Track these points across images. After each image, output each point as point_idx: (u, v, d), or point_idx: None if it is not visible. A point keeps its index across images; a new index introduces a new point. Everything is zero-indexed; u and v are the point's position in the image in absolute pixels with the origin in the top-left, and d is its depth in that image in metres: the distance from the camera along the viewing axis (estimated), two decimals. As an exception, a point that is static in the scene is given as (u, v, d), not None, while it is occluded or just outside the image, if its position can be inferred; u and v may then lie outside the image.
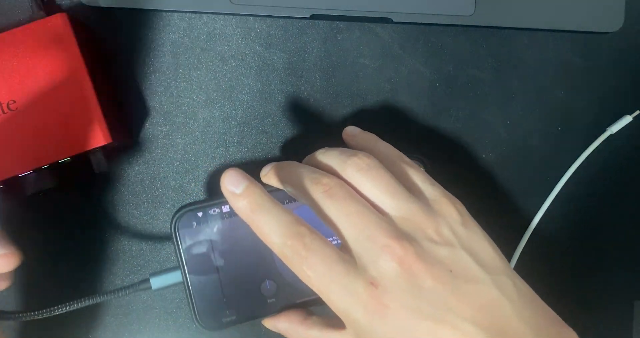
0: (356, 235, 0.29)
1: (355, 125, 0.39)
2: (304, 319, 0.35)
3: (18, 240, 0.41)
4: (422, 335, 0.27)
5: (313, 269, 0.28)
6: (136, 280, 0.38)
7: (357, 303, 0.28)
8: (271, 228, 0.29)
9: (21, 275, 0.41)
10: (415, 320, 0.27)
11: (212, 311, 0.37)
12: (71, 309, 0.34)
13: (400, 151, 0.36)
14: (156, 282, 0.36)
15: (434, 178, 0.35)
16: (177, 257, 0.37)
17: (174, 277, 0.37)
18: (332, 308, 0.29)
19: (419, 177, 0.33)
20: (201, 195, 0.42)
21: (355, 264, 0.28)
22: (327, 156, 0.33)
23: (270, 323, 0.36)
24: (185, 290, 0.37)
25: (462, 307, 0.28)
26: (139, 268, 0.42)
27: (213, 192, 0.42)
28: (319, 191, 0.30)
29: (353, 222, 0.29)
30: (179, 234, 0.37)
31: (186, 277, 0.37)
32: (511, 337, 0.28)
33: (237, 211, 0.31)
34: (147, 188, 0.42)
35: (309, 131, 0.42)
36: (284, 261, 0.29)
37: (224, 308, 0.37)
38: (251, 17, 0.41)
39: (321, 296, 0.29)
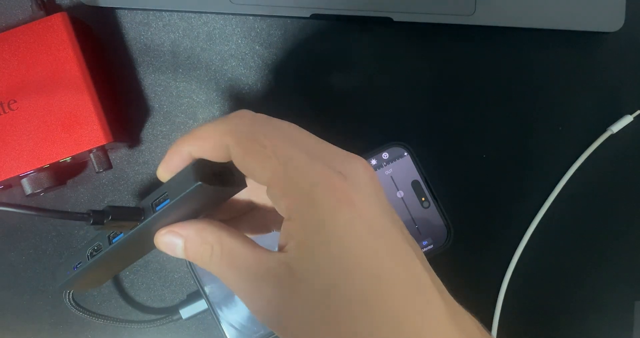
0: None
1: (355, 125, 0.39)
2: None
3: (17, 239, 0.42)
4: (397, 242, 0.25)
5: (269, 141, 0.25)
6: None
7: (324, 182, 0.24)
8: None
9: (21, 274, 0.41)
10: (387, 225, 0.25)
11: (243, 333, 0.40)
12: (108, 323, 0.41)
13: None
14: (185, 313, 0.41)
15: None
16: (199, 288, 0.40)
17: (200, 306, 0.40)
18: (286, 189, 0.24)
19: None
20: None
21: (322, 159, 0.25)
22: None
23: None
24: (214, 318, 0.40)
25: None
26: (139, 268, 0.42)
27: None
28: None
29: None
30: (195, 268, 0.40)
31: (211, 305, 0.40)
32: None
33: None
34: (147, 188, 0.42)
35: (309, 131, 0.42)
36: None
37: (253, 325, 0.40)
38: (251, 17, 0.41)
39: (277, 175, 0.24)
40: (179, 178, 0.25)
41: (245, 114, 0.25)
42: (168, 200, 0.25)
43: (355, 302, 0.24)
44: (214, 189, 0.25)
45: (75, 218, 0.25)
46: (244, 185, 0.27)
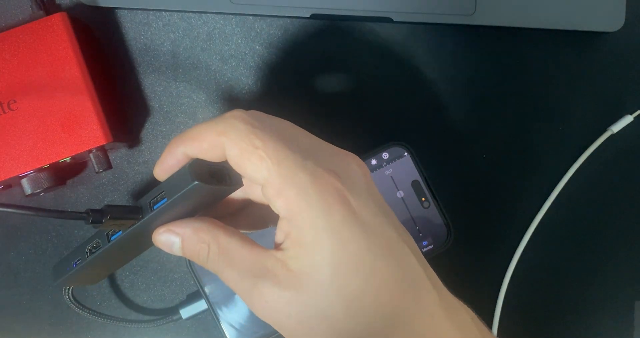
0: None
1: (355, 125, 0.39)
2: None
3: (17, 239, 0.42)
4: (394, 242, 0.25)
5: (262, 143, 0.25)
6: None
7: (318, 181, 0.24)
8: None
9: (21, 274, 0.41)
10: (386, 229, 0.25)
11: (243, 333, 0.40)
12: (107, 321, 0.41)
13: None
14: (185, 313, 0.41)
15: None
16: (199, 288, 0.40)
17: (200, 306, 0.40)
18: (280, 189, 0.24)
19: None
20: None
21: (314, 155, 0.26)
22: None
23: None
24: (214, 318, 0.40)
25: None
26: (139, 267, 0.42)
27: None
28: None
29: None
30: (195, 268, 0.40)
31: (211, 305, 0.40)
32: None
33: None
34: (147, 188, 0.42)
35: (309, 131, 0.42)
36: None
37: (253, 325, 0.40)
38: (251, 17, 0.41)
39: (270, 177, 0.24)
40: (176, 178, 0.25)
41: (240, 114, 0.26)
42: (165, 199, 0.25)
43: (350, 298, 0.24)
44: (211, 189, 0.25)
45: (74, 217, 0.25)
46: (241, 184, 0.27)
